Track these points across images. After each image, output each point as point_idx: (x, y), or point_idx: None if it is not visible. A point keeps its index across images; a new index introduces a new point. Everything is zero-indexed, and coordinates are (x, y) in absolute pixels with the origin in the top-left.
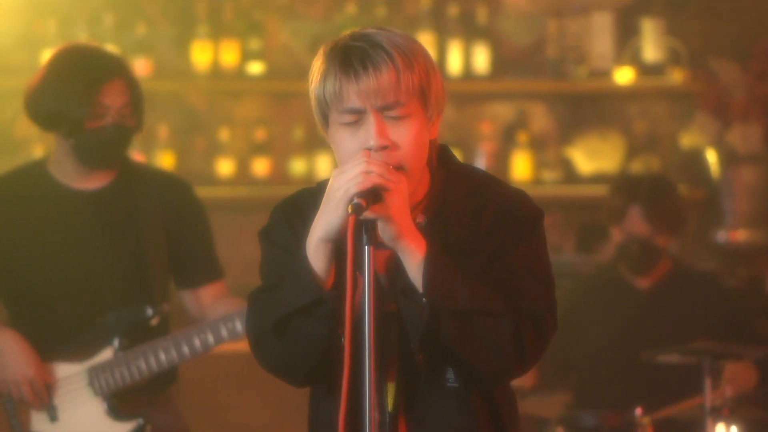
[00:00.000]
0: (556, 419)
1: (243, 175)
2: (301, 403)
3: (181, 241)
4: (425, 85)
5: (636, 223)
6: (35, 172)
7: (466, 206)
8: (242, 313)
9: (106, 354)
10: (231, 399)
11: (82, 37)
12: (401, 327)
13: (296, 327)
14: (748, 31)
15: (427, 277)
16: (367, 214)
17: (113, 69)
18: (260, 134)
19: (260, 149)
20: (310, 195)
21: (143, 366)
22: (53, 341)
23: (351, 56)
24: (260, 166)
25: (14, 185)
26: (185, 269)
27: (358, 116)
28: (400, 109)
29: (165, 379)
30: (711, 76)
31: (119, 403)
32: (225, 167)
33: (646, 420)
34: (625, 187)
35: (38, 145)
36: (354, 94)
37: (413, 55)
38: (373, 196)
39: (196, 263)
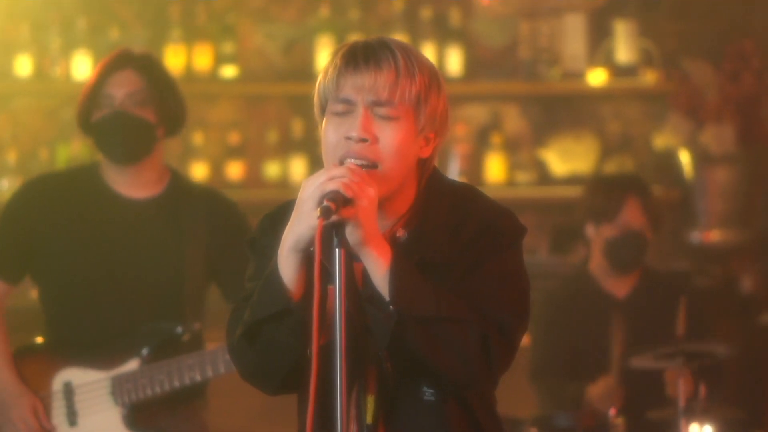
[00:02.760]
0: (530, 420)
1: (217, 178)
2: (277, 407)
3: (224, 260)
4: (422, 98)
5: (634, 214)
6: (88, 174)
7: (447, 220)
8: None
9: (131, 365)
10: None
11: (55, 41)
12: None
13: (266, 336)
14: (721, 32)
15: (393, 286)
16: (336, 217)
17: (120, 61)
18: (234, 138)
19: (234, 153)
20: None
21: (165, 381)
22: (82, 346)
23: (356, 50)
24: (234, 170)
25: (66, 184)
26: (228, 287)
27: (348, 107)
28: (391, 109)
29: (190, 393)
30: (684, 77)
31: (138, 415)
32: (199, 171)
33: (619, 420)
34: (617, 182)
35: (12, 150)
36: (350, 85)
37: (419, 65)
38: (342, 199)
39: (234, 283)
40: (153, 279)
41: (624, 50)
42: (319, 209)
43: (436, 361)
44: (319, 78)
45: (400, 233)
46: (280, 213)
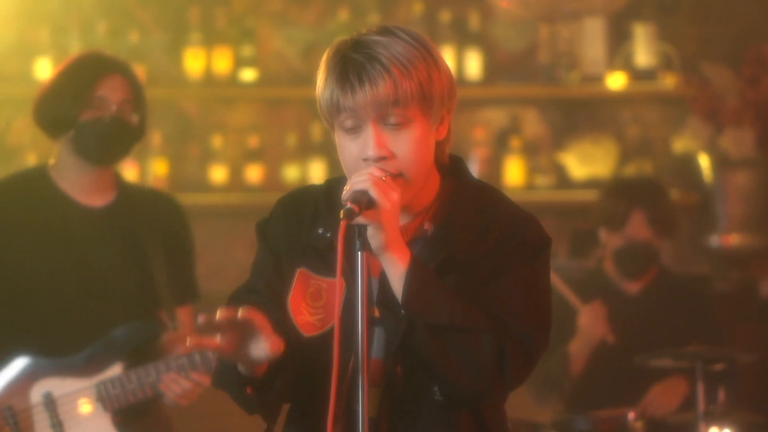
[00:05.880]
0: (549, 424)
1: (236, 181)
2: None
3: (173, 260)
4: (426, 90)
5: (639, 228)
6: (36, 177)
7: (474, 221)
8: None
9: (115, 369)
10: (224, 406)
11: (75, 44)
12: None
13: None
14: (741, 36)
15: (406, 290)
16: (359, 220)
17: (109, 65)
18: (253, 141)
19: (253, 156)
20: (314, 195)
21: (156, 384)
22: (61, 355)
23: (348, 69)
24: (253, 173)
25: (14, 191)
26: (171, 288)
27: (356, 121)
28: (399, 117)
29: None
30: (703, 81)
31: (125, 419)
32: (218, 174)
33: (638, 424)
34: (625, 192)
35: (32, 153)
36: (350, 107)
37: (411, 63)
38: (366, 202)
39: (181, 283)
40: (123, 283)
41: (643, 54)
42: (342, 211)
43: (446, 369)
44: (317, 90)
45: (427, 227)
46: (294, 200)
